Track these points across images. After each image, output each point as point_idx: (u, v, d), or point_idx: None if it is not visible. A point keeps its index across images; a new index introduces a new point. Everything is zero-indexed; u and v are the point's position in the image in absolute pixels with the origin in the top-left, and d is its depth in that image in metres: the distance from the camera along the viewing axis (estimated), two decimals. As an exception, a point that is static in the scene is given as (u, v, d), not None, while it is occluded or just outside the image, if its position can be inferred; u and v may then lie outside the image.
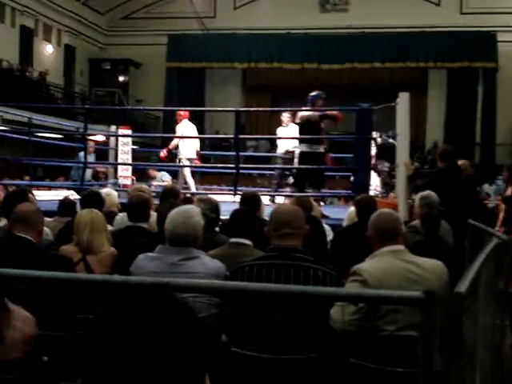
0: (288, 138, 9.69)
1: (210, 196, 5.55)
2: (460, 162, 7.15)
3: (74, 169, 11.34)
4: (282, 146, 10.32)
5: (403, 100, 7.49)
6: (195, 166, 11.89)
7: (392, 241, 3.13)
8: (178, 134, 10.59)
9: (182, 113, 10.78)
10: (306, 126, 8.38)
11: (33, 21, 21.02)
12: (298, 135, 8.75)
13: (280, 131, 10.52)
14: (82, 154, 10.58)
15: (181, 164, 10.50)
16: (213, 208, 4.73)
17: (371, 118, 8.28)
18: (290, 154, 9.49)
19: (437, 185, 6.09)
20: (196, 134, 10.94)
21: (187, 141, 10.55)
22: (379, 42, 21.70)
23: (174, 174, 12.24)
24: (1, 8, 19.41)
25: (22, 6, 20.15)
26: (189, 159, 10.49)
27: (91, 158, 11.30)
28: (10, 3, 19.69)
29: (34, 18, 20.98)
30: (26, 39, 20.75)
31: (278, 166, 10.80)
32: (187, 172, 10.54)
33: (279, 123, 10.62)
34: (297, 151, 8.56)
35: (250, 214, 4.08)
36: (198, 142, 10.84)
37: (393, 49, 21.62)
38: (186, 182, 10.40)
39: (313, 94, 8.58)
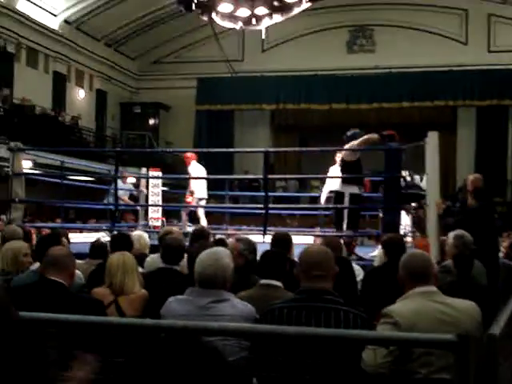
0: (309, 176, 9.65)
1: (247, 236, 5.55)
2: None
3: (111, 194, 11.40)
4: (329, 186, 10.21)
5: (432, 139, 7.47)
6: (224, 207, 11.96)
7: (423, 282, 3.10)
8: (193, 175, 10.84)
9: (189, 155, 11.09)
10: (351, 166, 8.24)
11: (65, 67, 21.52)
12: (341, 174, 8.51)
13: (332, 170, 10.35)
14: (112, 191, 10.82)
15: (204, 204, 10.76)
16: (251, 249, 4.74)
17: (400, 157, 8.23)
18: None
19: (469, 223, 6.02)
20: (205, 174, 11.20)
21: (200, 182, 10.90)
22: (407, 82, 21.75)
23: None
24: (34, 55, 19.92)
25: (54, 53, 20.67)
26: (201, 199, 10.87)
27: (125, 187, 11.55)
28: (44, 50, 20.22)
29: (66, 64, 21.48)
30: (59, 84, 21.20)
31: (327, 205, 10.60)
32: (201, 212, 10.89)
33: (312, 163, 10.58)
34: (346, 192, 8.19)
35: (281, 255, 4.07)
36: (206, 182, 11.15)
37: (421, 88, 21.63)
38: (190, 222, 10.89)
39: (351, 132, 8.40)
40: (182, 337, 1.04)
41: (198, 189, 10.87)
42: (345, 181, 8.14)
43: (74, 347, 2.72)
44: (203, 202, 11.10)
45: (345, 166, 8.25)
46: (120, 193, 11.01)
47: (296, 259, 5.25)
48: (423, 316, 2.92)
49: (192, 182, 10.90)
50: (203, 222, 10.80)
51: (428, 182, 7.43)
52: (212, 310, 3.16)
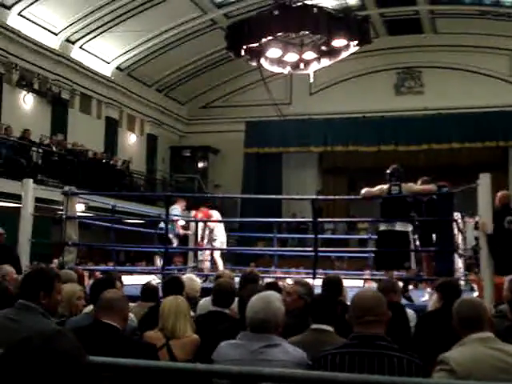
0: (358, 220, 9.56)
1: (306, 280, 5.53)
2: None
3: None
4: None
5: (484, 181, 7.35)
6: (276, 250, 11.96)
7: (477, 329, 3.03)
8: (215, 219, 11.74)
9: (203, 214, 11.77)
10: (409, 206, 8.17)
11: (117, 112, 22.08)
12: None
13: None
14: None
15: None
16: (309, 292, 4.71)
17: (452, 202, 8.13)
18: None
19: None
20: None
21: (220, 226, 11.73)
22: (456, 123, 21.58)
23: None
24: (88, 100, 20.52)
25: (107, 99, 21.26)
26: (222, 242, 11.57)
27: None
28: (97, 96, 20.82)
29: (118, 109, 22.05)
30: (111, 129, 21.77)
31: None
32: (217, 255, 11.57)
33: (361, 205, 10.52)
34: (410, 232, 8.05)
35: (332, 299, 4.03)
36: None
37: (470, 129, 21.42)
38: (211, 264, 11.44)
39: (393, 169, 8.28)
40: (239, 382, 1.05)
41: (221, 233, 11.62)
42: (406, 220, 8.02)
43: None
44: (224, 245, 11.78)
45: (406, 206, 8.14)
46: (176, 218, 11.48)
47: (348, 303, 5.22)
48: (480, 363, 2.85)
49: (216, 229, 11.57)
50: (220, 265, 11.31)
51: (481, 223, 7.30)
52: (263, 354, 3.14)
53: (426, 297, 7.84)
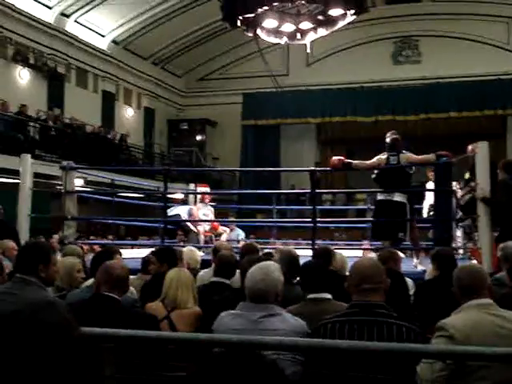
0: (356, 191, 9.55)
1: (288, 248, 5.55)
2: None
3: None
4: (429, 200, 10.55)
5: (482, 149, 7.35)
6: (272, 221, 11.98)
7: (477, 295, 3.05)
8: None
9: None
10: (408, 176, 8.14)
11: (114, 86, 21.97)
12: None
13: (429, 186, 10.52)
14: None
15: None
16: (285, 260, 4.73)
17: (450, 171, 8.13)
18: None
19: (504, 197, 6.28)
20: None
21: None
22: (454, 92, 21.48)
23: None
24: (84, 75, 20.39)
25: (103, 73, 21.13)
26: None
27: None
28: (93, 70, 20.68)
29: (115, 83, 21.93)
30: (108, 103, 21.67)
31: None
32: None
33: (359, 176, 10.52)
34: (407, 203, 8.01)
35: (322, 266, 4.06)
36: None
37: (469, 98, 21.32)
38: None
39: (392, 138, 8.22)
40: (240, 351, 1.05)
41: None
42: (404, 192, 8.01)
43: (130, 362, 2.76)
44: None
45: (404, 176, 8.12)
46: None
47: (347, 273, 5.25)
48: (479, 329, 2.87)
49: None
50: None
51: (478, 191, 7.30)
52: (264, 324, 3.16)
53: (417, 266, 7.84)
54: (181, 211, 11.46)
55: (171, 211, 11.20)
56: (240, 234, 12.90)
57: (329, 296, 3.76)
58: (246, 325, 3.17)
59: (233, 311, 3.32)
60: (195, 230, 11.51)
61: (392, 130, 8.47)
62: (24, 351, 1.31)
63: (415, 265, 7.84)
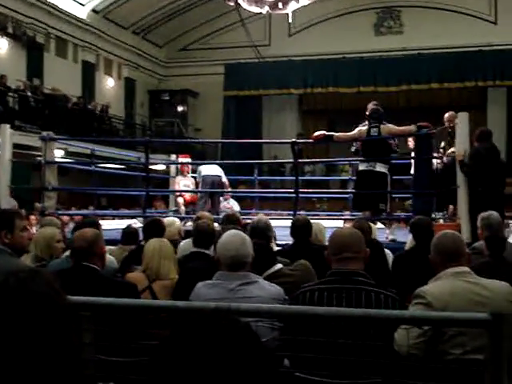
0: (338, 160, 9.56)
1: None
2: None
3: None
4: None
5: (463, 120, 7.40)
6: (254, 192, 11.99)
7: (455, 262, 3.09)
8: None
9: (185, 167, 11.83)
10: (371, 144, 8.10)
11: (94, 56, 21.72)
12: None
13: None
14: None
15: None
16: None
17: (431, 142, 8.18)
18: None
19: (474, 166, 6.56)
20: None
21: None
22: (436, 63, 21.48)
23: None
24: (63, 44, 20.13)
25: (83, 42, 20.87)
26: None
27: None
28: (72, 40, 20.43)
29: (95, 53, 21.68)
30: (88, 73, 21.44)
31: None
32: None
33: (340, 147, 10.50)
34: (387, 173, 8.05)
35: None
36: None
37: (450, 69, 21.35)
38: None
39: (372, 109, 8.27)
40: (215, 315, 1.06)
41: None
42: (385, 162, 8.04)
43: (109, 330, 2.77)
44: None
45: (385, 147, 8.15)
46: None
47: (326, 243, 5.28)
48: (456, 296, 2.90)
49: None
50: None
51: (458, 162, 7.36)
52: (242, 292, 3.18)
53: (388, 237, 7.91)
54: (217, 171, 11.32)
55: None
56: (234, 203, 12.81)
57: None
58: (224, 294, 3.18)
59: (209, 281, 3.34)
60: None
61: (373, 101, 8.48)
62: (13, 321, 1.31)
63: (387, 235, 7.91)
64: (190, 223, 9.74)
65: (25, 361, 1.28)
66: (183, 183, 11.74)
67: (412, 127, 8.08)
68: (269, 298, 3.17)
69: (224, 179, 11.18)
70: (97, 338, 2.61)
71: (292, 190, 9.03)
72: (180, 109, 24.93)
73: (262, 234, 4.72)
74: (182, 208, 11.57)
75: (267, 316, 2.26)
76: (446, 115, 8.15)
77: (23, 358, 1.29)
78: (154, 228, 5.25)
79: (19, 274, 1.40)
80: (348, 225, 8.58)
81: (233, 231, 3.46)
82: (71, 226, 8.46)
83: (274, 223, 5.45)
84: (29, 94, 16.61)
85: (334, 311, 2.11)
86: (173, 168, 12.62)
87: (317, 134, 8.59)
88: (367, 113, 8.18)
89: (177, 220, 6.56)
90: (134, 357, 2.88)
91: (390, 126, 8.14)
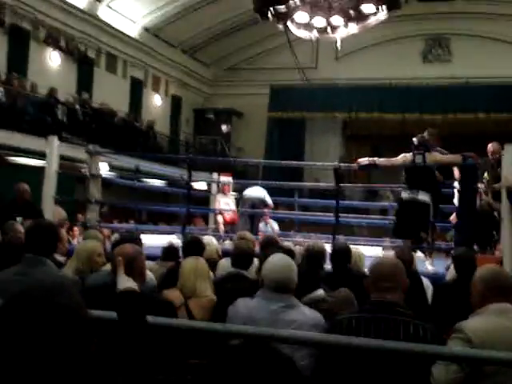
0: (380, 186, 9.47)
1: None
2: None
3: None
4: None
5: (509, 151, 7.30)
6: (297, 214, 11.94)
7: (505, 298, 3.02)
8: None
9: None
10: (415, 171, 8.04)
11: (142, 72, 22.06)
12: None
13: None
14: None
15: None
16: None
17: (476, 172, 8.08)
18: None
19: None
20: None
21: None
22: (483, 93, 21.22)
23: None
24: (113, 60, 20.50)
25: (133, 59, 21.23)
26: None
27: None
28: (122, 56, 20.79)
29: (143, 69, 22.02)
30: (136, 90, 21.78)
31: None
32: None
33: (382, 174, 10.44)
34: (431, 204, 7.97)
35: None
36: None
37: (497, 99, 21.07)
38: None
39: (420, 138, 8.18)
40: (256, 344, 1.06)
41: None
42: (428, 191, 7.94)
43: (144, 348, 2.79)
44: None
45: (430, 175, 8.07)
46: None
47: (365, 270, 5.24)
48: (497, 335, 2.84)
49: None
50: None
51: (503, 195, 7.25)
52: (283, 314, 3.19)
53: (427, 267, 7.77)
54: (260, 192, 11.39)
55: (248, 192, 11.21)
56: (274, 226, 12.65)
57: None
58: (265, 315, 3.19)
59: (250, 299, 3.35)
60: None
61: (430, 128, 8.44)
62: (36, 332, 1.32)
63: (426, 266, 7.78)
64: (227, 242, 9.77)
65: (43, 370, 1.30)
66: (224, 202, 11.80)
67: (457, 156, 8.00)
68: (308, 324, 3.17)
69: (268, 201, 11.20)
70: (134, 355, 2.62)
71: (332, 214, 9.00)
72: (224, 128, 25.08)
73: (315, 258, 4.74)
74: (221, 227, 11.62)
75: (306, 344, 2.25)
76: (490, 147, 8.04)
77: (41, 368, 1.30)
78: (194, 246, 5.28)
79: (44, 286, 1.41)
80: (387, 252, 8.52)
81: (281, 255, 3.49)
82: (113, 239, 8.56)
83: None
84: (77, 107, 16.94)
85: (375, 343, 2.09)
86: (214, 186, 12.70)
87: (361, 160, 8.56)
88: (414, 142, 8.09)
89: (214, 240, 6.60)
90: (174, 376, 2.89)
91: (437, 154, 8.06)
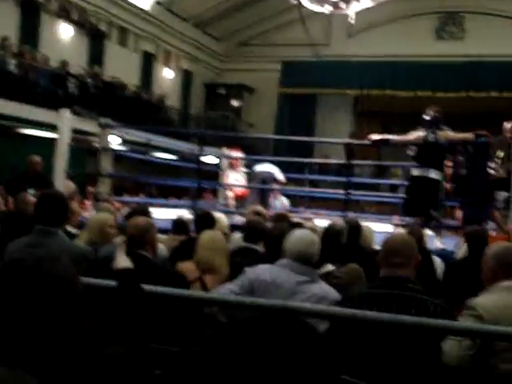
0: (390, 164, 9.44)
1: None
2: None
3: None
4: None
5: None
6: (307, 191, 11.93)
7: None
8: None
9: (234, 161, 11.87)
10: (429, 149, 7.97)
11: (154, 46, 21.97)
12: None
13: None
14: None
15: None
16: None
17: (488, 151, 8.04)
18: None
19: None
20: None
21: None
22: (496, 71, 21.03)
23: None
24: (125, 33, 20.43)
25: (144, 32, 21.13)
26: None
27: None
28: (134, 29, 20.70)
29: (155, 43, 21.93)
30: (147, 63, 21.71)
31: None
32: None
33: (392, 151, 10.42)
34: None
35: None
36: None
37: (510, 78, 20.91)
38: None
39: (431, 115, 8.14)
40: (286, 317, 1.07)
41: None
42: (439, 168, 7.92)
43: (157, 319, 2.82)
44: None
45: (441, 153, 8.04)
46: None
47: (375, 246, 5.26)
48: (508, 311, 2.86)
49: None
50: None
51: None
52: (305, 287, 3.26)
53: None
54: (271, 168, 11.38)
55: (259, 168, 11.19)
56: (284, 201, 12.60)
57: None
58: (290, 283, 3.26)
59: (272, 266, 3.41)
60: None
61: (432, 106, 8.35)
62: (28, 300, 1.34)
63: (435, 243, 7.77)
64: (238, 217, 9.79)
65: (32, 338, 1.31)
66: (234, 177, 11.79)
67: (470, 134, 7.96)
68: (327, 299, 3.23)
69: (280, 176, 11.19)
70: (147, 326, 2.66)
71: (342, 191, 9.00)
72: (235, 103, 25.02)
73: (335, 237, 4.79)
74: (231, 202, 11.64)
75: (322, 317, 2.27)
76: (506, 125, 7.98)
77: (30, 336, 1.31)
78: (206, 221, 5.31)
79: (36, 256, 1.42)
80: (398, 230, 8.52)
81: (304, 230, 3.55)
82: (123, 212, 8.60)
83: (322, 223, 5.46)
84: (89, 80, 16.93)
85: (386, 317, 2.11)
86: (224, 161, 12.70)
87: (374, 136, 8.52)
88: (425, 117, 8.05)
89: (223, 216, 6.58)
90: (183, 347, 2.92)
91: (448, 131, 8.02)
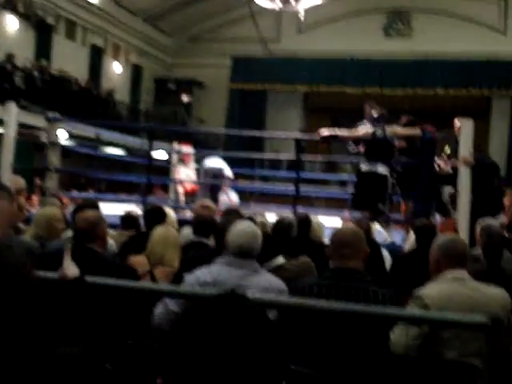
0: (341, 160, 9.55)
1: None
2: None
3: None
4: None
5: (466, 126, 7.42)
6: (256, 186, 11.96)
7: (460, 265, 3.12)
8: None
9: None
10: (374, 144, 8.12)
11: (103, 40, 21.66)
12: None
13: None
14: None
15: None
16: None
17: (435, 146, 8.21)
18: None
19: None
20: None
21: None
22: (442, 68, 21.48)
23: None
24: (73, 27, 20.08)
25: (92, 26, 20.82)
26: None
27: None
28: (82, 23, 20.37)
29: (103, 37, 21.63)
30: (96, 57, 21.39)
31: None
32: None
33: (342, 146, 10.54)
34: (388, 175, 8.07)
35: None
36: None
37: (456, 75, 21.37)
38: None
39: (378, 114, 8.31)
40: (229, 297, 1.08)
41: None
42: (387, 164, 8.05)
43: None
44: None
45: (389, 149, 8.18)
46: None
47: (324, 240, 5.31)
48: (453, 301, 2.93)
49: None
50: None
51: (460, 169, 7.39)
52: (248, 279, 3.23)
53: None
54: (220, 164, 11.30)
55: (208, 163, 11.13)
56: (234, 196, 12.58)
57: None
58: (231, 279, 3.23)
59: (209, 266, 3.37)
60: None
61: (369, 102, 8.57)
62: None
63: (383, 237, 7.89)
64: (188, 213, 9.75)
65: None
66: (185, 172, 11.73)
67: (416, 130, 8.13)
68: (273, 289, 3.22)
69: (228, 172, 11.17)
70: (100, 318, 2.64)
71: (293, 187, 9.06)
72: (185, 98, 24.85)
73: (285, 230, 4.78)
74: (182, 197, 11.57)
75: (271, 306, 2.29)
76: (457, 122, 8.11)
77: None
78: (156, 215, 5.27)
79: None
80: (346, 224, 8.61)
81: (246, 222, 3.53)
82: (71, 207, 8.48)
83: (273, 218, 5.49)
84: (35, 73, 16.60)
85: (337, 307, 2.14)
86: (174, 156, 12.62)
87: (323, 131, 8.60)
88: (372, 114, 8.21)
89: (171, 211, 6.53)
90: (132, 340, 2.91)
91: (396, 127, 8.17)
